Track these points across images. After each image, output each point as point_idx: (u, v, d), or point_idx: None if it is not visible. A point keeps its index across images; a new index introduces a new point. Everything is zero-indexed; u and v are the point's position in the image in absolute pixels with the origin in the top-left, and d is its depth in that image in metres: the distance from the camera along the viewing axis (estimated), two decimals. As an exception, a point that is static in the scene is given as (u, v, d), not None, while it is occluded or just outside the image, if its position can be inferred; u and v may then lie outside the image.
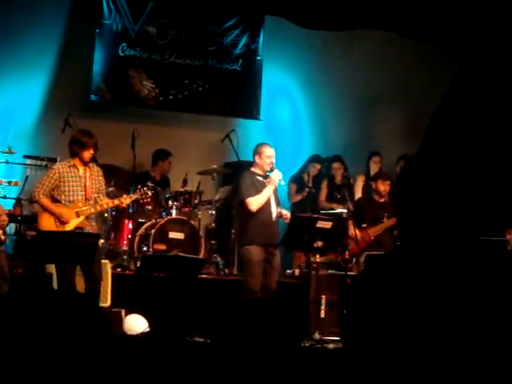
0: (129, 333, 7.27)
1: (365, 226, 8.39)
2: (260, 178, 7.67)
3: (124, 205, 7.66)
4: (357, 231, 8.31)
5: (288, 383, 2.62)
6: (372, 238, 8.26)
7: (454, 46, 10.82)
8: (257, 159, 7.76)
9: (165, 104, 10.37)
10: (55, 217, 7.25)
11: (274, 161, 7.68)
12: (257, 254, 7.49)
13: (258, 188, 7.60)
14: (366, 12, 10.30)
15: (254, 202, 7.54)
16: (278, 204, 7.83)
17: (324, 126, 11.09)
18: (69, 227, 7.25)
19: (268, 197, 7.58)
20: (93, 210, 7.38)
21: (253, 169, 7.79)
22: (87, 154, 7.34)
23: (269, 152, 7.71)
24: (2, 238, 7.25)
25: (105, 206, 7.55)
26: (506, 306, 2.04)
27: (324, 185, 9.70)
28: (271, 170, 7.67)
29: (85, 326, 2.89)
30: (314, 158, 9.94)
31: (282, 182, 7.71)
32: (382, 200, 8.43)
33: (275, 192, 7.78)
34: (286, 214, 7.77)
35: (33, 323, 2.90)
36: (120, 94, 10.17)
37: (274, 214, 7.67)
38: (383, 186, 8.39)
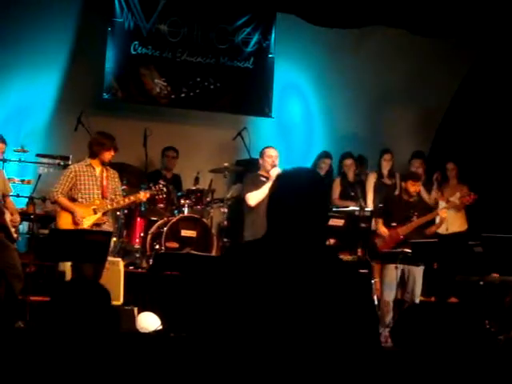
0: (141, 331, 7.29)
1: (394, 224, 8.34)
2: (263, 179, 7.80)
3: (142, 198, 7.76)
4: (385, 229, 8.30)
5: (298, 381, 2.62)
6: (401, 236, 8.22)
7: (465, 43, 10.81)
8: (260, 161, 8.05)
9: (176, 102, 10.37)
10: (73, 215, 7.36)
11: (276, 161, 7.86)
12: None
13: (259, 186, 7.75)
14: (377, 9, 10.28)
15: (252, 197, 7.72)
16: None
17: (335, 123, 11.07)
18: (86, 223, 7.34)
19: (267, 193, 7.60)
20: (109, 207, 7.52)
21: (259, 172, 8.02)
22: (108, 155, 7.49)
23: (270, 152, 7.96)
24: (15, 236, 7.29)
25: (121, 202, 7.64)
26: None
27: (337, 183, 9.65)
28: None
29: (94, 321, 2.90)
30: (323, 154, 9.88)
31: None
32: (412, 199, 8.38)
33: None
34: None
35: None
36: (132, 93, 10.19)
37: None
38: (413, 187, 8.31)
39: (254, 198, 7.69)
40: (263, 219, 2.70)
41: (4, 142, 7.89)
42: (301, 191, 2.49)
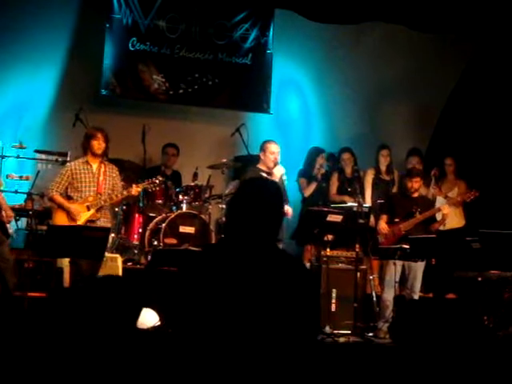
0: (140, 327, 7.28)
1: (397, 220, 8.35)
2: (264, 174, 7.73)
3: (134, 193, 7.72)
4: (385, 225, 8.32)
5: (300, 377, 2.65)
6: (403, 232, 8.24)
7: (464, 39, 10.81)
8: (261, 155, 8.00)
9: (175, 98, 10.36)
10: (67, 213, 7.38)
11: (278, 157, 7.82)
12: None
13: None
14: (375, 5, 10.27)
15: None
16: (286, 202, 7.80)
17: (334, 119, 11.07)
18: (80, 221, 7.35)
19: None
20: (102, 203, 7.51)
21: (258, 165, 7.97)
22: (96, 145, 7.53)
23: (272, 148, 7.88)
24: (10, 231, 7.32)
25: (114, 198, 7.63)
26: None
27: (334, 178, 9.63)
28: (275, 166, 7.76)
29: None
30: (320, 150, 9.75)
31: (284, 177, 7.77)
32: (415, 195, 8.41)
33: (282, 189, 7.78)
34: (287, 209, 7.74)
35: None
36: (130, 89, 10.17)
37: None
38: (410, 183, 8.36)
39: None
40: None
41: None
42: (261, 199, 2.92)
